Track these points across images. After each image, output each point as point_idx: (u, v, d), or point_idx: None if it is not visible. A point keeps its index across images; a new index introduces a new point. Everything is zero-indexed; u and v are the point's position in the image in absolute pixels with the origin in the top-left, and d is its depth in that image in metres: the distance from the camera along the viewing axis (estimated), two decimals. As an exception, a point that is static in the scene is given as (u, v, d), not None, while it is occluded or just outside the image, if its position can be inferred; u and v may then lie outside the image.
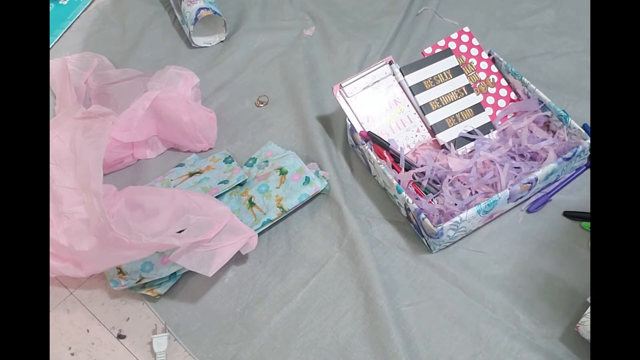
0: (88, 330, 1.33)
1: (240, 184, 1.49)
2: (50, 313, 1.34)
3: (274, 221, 1.41)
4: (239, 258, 1.38)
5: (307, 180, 1.44)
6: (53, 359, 1.29)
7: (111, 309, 1.35)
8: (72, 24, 1.99)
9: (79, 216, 1.30)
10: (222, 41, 1.88)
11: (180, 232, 1.27)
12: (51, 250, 1.30)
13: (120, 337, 1.31)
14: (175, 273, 1.35)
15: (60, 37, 1.95)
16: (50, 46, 1.91)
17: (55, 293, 1.38)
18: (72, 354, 1.29)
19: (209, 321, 1.31)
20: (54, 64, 1.77)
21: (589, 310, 1.15)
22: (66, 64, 1.73)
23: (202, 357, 1.26)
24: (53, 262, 1.30)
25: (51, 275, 1.35)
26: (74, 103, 1.56)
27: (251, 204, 1.43)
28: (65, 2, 2.05)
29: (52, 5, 2.03)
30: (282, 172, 1.47)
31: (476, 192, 1.39)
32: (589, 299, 1.23)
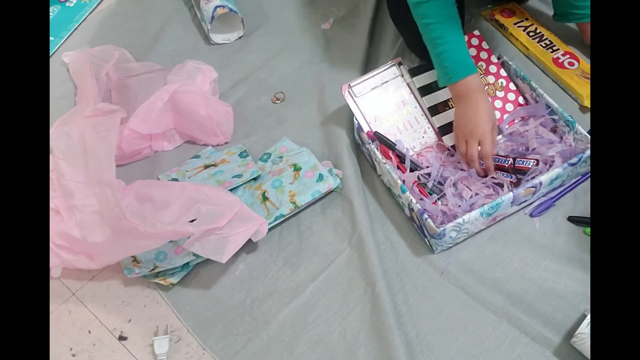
0: (89, 332, 1.31)
1: (254, 179, 1.47)
2: (52, 313, 1.33)
3: (287, 216, 1.40)
4: (250, 251, 1.37)
5: (321, 177, 1.43)
6: (54, 359, 1.27)
7: (113, 311, 1.33)
8: (80, 23, 1.98)
9: (92, 208, 1.29)
10: (240, 37, 1.87)
11: (191, 221, 1.26)
12: (63, 243, 1.30)
13: (121, 338, 1.29)
14: (187, 263, 1.34)
15: (65, 40, 1.93)
16: (54, 47, 1.90)
17: (58, 294, 1.36)
18: (73, 355, 1.28)
19: (219, 312, 1.30)
20: (76, 56, 1.77)
21: (585, 320, 1.13)
22: (87, 56, 1.72)
23: (211, 347, 1.26)
24: (65, 255, 1.30)
25: (63, 267, 1.35)
26: (95, 94, 1.56)
27: (264, 198, 1.42)
28: (72, 4, 2.03)
29: (58, 7, 2.02)
30: (296, 169, 1.45)
31: (477, 194, 1.37)
32: (586, 312, 1.22)
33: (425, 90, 1.49)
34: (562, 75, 1.59)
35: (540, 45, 1.66)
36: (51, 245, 1.29)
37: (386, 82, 1.50)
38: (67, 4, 2.03)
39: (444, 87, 1.45)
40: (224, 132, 1.59)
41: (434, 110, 1.48)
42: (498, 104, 1.50)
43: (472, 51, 1.53)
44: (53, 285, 1.37)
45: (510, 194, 1.29)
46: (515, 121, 1.49)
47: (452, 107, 1.47)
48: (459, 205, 1.35)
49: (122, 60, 1.76)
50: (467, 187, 1.38)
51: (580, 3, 1.57)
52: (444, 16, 1.35)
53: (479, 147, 1.35)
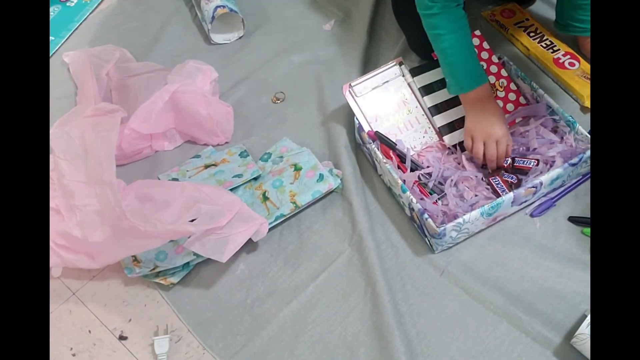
0: (90, 331, 1.31)
1: (255, 178, 1.47)
2: (52, 313, 1.32)
3: (287, 216, 1.40)
4: (250, 250, 1.37)
5: (321, 177, 1.43)
6: (54, 359, 1.27)
7: (113, 310, 1.33)
8: (81, 23, 1.98)
9: (92, 208, 1.29)
10: (240, 37, 1.87)
11: (191, 221, 1.26)
12: (64, 242, 1.30)
13: (121, 338, 1.29)
14: (188, 263, 1.34)
15: (65, 39, 1.93)
16: (55, 47, 1.90)
17: (58, 294, 1.36)
18: (73, 355, 1.28)
19: (220, 311, 1.30)
20: (76, 56, 1.77)
21: (585, 321, 1.13)
22: (88, 56, 1.72)
23: (211, 347, 1.26)
24: (66, 254, 1.30)
25: (64, 267, 1.35)
26: (95, 94, 1.56)
27: (265, 198, 1.42)
28: (73, 4, 2.03)
29: (59, 7, 2.02)
30: (297, 168, 1.45)
31: (476, 195, 1.37)
32: (586, 312, 1.22)
33: (426, 90, 1.49)
34: (562, 75, 1.59)
35: (541, 45, 1.66)
36: (52, 245, 1.29)
37: (387, 81, 1.50)
38: (67, 4, 2.03)
39: (445, 88, 1.46)
40: (224, 132, 1.59)
41: (435, 110, 1.48)
42: (499, 104, 1.50)
43: (473, 51, 1.53)
44: (53, 284, 1.36)
45: (511, 194, 1.29)
46: (516, 121, 1.49)
47: (453, 108, 1.47)
48: (460, 206, 1.34)
49: (123, 60, 1.76)
50: (468, 188, 1.38)
51: (582, 17, 1.57)
52: (455, 27, 1.37)
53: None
